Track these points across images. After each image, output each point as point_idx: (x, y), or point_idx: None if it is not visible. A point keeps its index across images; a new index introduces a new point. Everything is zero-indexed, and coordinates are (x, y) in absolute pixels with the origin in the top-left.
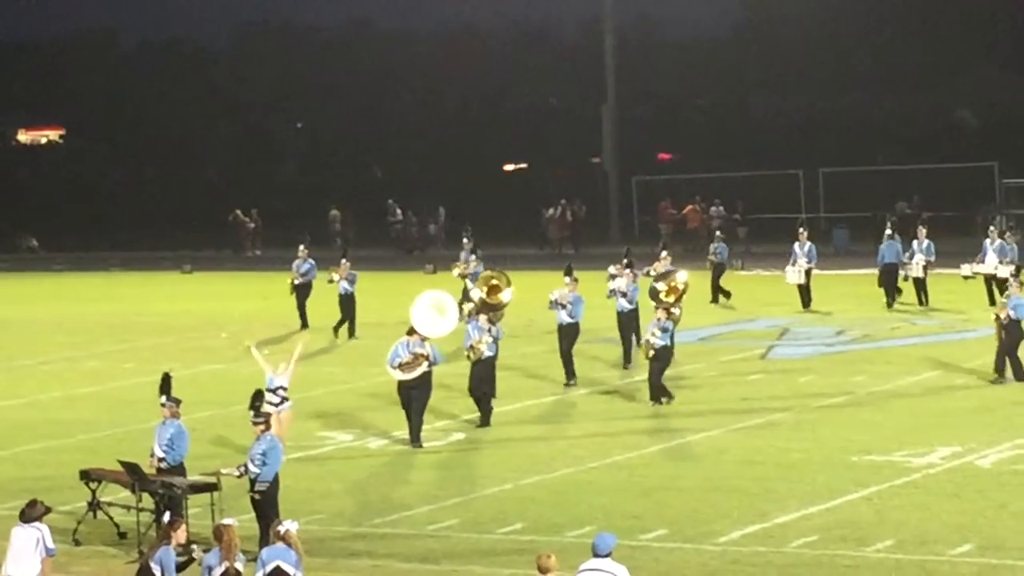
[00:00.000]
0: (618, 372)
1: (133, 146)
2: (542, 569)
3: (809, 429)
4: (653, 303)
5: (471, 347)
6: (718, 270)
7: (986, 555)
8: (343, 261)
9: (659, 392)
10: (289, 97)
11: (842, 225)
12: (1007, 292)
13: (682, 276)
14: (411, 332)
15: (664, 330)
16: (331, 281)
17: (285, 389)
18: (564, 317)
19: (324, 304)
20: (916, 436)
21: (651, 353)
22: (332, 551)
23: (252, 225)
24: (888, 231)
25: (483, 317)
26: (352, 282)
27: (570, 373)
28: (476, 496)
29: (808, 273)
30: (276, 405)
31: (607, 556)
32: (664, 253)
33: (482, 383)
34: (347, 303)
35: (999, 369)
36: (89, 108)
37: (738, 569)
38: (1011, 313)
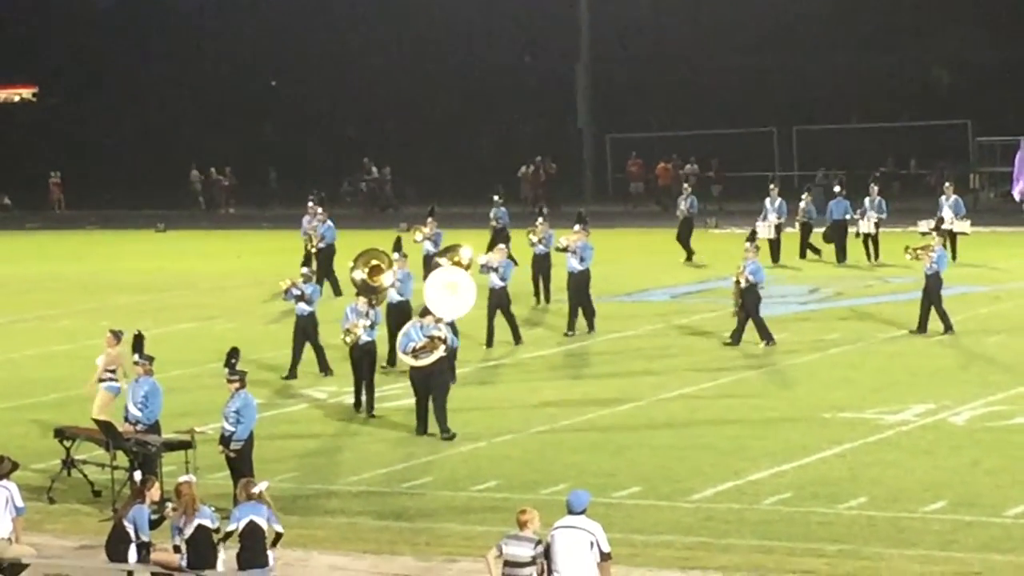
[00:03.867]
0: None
1: (107, 105)
2: (520, 524)
3: (782, 387)
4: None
5: (347, 331)
6: (686, 225)
7: (959, 512)
8: (429, 220)
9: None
10: (265, 55)
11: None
12: (745, 257)
13: (467, 252)
14: (424, 314)
15: None
16: (416, 240)
17: (113, 371)
18: (393, 295)
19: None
20: (890, 393)
21: None
22: (306, 508)
23: (226, 183)
24: (836, 188)
25: (362, 300)
26: (436, 243)
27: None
28: (450, 454)
29: (778, 228)
30: (102, 381)
31: (582, 513)
32: (578, 227)
33: (359, 369)
34: (428, 265)
35: (736, 337)
36: (63, 66)
37: (711, 526)
38: (749, 277)
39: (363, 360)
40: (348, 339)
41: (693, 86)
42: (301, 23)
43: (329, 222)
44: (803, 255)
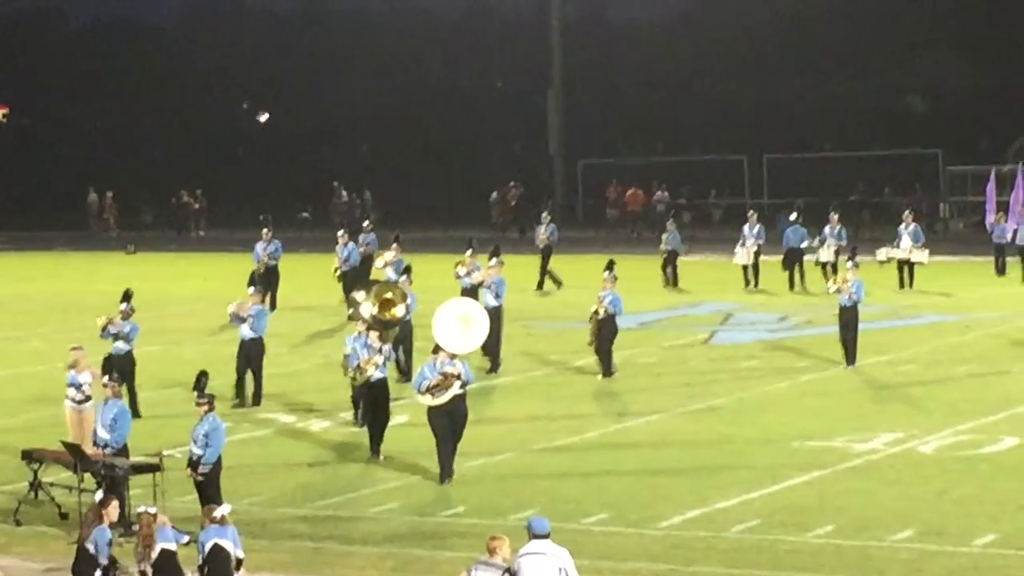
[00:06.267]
0: (561, 356)
1: (80, 126)
2: (490, 551)
3: (751, 414)
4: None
5: (357, 367)
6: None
7: (926, 541)
8: (394, 245)
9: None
10: (238, 77)
11: (786, 212)
12: (603, 287)
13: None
14: (436, 350)
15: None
16: (378, 267)
17: (90, 386)
18: (246, 331)
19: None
20: (858, 422)
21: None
22: (273, 533)
23: (197, 206)
24: (793, 216)
25: (373, 334)
26: (397, 270)
27: (241, 392)
28: (418, 479)
29: (756, 253)
30: (79, 403)
31: (546, 537)
32: (493, 260)
33: (376, 409)
34: None
35: (607, 368)
36: (36, 87)
37: (679, 554)
38: (608, 308)
39: (375, 398)
40: (359, 376)
41: (664, 114)
42: (275, 47)
43: (352, 244)
44: (675, 283)
